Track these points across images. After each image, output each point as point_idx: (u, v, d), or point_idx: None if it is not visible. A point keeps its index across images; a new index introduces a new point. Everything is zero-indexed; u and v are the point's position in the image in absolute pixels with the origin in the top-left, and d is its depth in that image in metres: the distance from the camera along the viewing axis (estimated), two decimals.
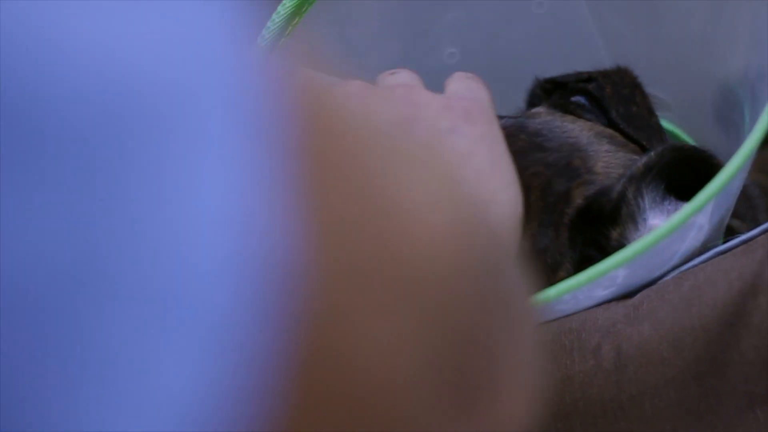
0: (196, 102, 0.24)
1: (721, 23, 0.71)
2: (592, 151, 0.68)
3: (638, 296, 0.63)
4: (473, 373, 0.34)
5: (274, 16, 0.73)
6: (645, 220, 0.65)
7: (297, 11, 0.74)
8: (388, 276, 0.29)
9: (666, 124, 0.82)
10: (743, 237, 0.63)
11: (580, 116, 0.73)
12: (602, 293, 0.63)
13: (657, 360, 0.61)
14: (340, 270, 0.27)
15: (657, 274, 0.65)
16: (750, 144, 0.59)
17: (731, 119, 0.71)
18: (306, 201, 0.26)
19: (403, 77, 0.65)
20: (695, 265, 0.64)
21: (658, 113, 0.82)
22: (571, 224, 0.65)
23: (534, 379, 0.39)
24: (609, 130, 0.70)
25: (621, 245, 0.65)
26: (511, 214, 0.59)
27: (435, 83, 0.81)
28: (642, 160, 0.65)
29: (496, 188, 0.58)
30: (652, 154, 0.65)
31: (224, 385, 0.24)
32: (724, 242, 0.65)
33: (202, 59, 0.25)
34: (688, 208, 0.58)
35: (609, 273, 0.59)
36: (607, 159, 0.67)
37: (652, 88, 0.81)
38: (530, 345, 0.40)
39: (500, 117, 0.72)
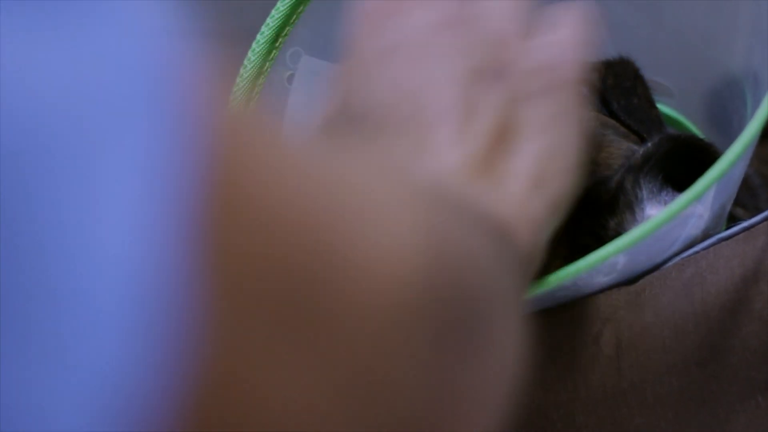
0: (103, 143, 0.23)
1: (724, 10, 0.71)
2: (594, 142, 0.67)
3: (640, 283, 0.63)
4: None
5: (273, 12, 0.73)
6: (642, 210, 0.65)
7: (295, 9, 0.73)
8: (305, 338, 0.28)
9: (669, 111, 0.82)
10: (745, 224, 0.63)
11: None
12: (603, 280, 0.63)
13: (658, 346, 0.61)
14: (243, 331, 0.26)
15: (658, 260, 0.65)
16: (750, 132, 0.58)
17: (734, 106, 0.71)
18: (209, 259, 0.25)
19: (506, 9, 0.58)
20: (697, 252, 0.64)
21: (660, 100, 0.81)
22: (568, 211, 0.65)
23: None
24: (612, 121, 0.70)
25: (618, 234, 0.64)
26: (566, 194, 0.56)
27: None
28: (640, 151, 0.65)
29: (562, 168, 0.56)
30: (650, 144, 0.65)
31: (119, 424, 0.24)
32: (726, 230, 0.65)
33: (118, 100, 0.24)
34: (688, 195, 0.58)
35: (609, 259, 0.58)
36: (610, 149, 0.67)
37: (654, 75, 0.80)
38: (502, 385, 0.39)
39: None
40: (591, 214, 0.65)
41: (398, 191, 0.35)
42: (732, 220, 0.72)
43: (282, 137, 0.29)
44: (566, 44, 0.58)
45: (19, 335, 0.22)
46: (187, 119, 0.25)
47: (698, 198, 0.58)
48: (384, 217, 0.32)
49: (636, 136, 0.70)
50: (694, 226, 0.64)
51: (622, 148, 0.67)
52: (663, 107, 0.82)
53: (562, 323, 0.64)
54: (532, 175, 0.54)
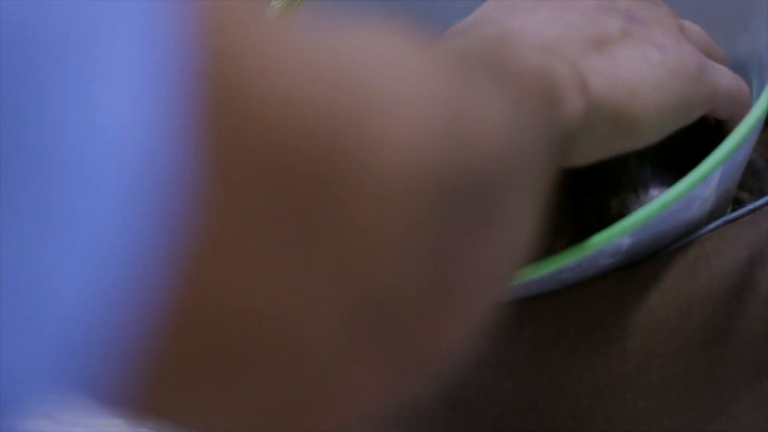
0: (106, 28, 0.23)
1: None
2: None
3: (645, 265, 0.63)
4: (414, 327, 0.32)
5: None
6: (647, 190, 0.65)
7: None
8: (310, 232, 0.27)
9: None
10: (750, 206, 0.63)
11: None
12: (608, 261, 0.63)
13: (663, 329, 0.61)
14: (238, 221, 0.26)
15: (662, 243, 0.65)
16: (754, 114, 0.58)
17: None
18: (206, 136, 0.25)
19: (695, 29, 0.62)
20: (702, 235, 0.63)
21: None
22: (572, 190, 0.65)
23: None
24: None
25: (621, 214, 0.64)
26: (633, 118, 0.56)
27: None
28: None
29: (640, 96, 0.55)
30: None
31: (111, 293, 0.24)
32: (732, 212, 0.64)
33: None
34: (693, 175, 0.58)
35: (614, 240, 0.58)
36: None
37: None
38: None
39: None
40: (594, 193, 0.65)
41: (420, 63, 0.33)
42: (737, 204, 0.72)
43: (285, 20, 0.28)
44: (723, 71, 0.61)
45: (16, 197, 0.22)
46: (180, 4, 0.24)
47: (704, 179, 0.58)
48: (399, 99, 0.30)
49: None
50: (698, 209, 0.64)
51: None
52: None
53: (566, 305, 0.64)
54: (613, 75, 0.53)
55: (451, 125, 0.32)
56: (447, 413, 0.65)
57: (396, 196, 0.29)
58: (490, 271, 0.36)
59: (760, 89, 0.60)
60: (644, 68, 0.55)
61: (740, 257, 0.61)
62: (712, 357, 0.60)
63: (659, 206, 0.57)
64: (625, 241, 0.61)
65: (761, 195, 0.68)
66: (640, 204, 0.64)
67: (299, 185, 0.27)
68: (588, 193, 0.65)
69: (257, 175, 0.26)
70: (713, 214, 0.65)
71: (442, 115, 0.32)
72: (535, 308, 0.64)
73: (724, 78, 0.60)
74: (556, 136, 0.48)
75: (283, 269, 0.27)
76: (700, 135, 0.64)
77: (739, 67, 0.70)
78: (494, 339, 0.65)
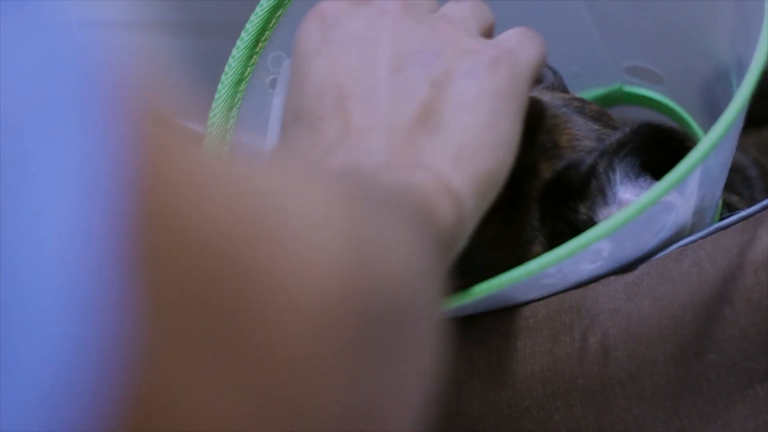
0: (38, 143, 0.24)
1: None
2: (553, 125, 0.67)
3: (638, 272, 0.63)
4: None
5: (252, 17, 0.72)
6: (615, 194, 0.65)
7: (280, 3, 0.73)
8: (230, 353, 0.28)
9: (661, 97, 0.82)
10: (743, 213, 0.63)
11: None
12: (590, 267, 0.63)
13: (657, 337, 0.61)
14: (169, 342, 0.26)
15: (646, 248, 0.65)
16: (730, 114, 0.58)
17: (722, 89, 0.71)
18: (137, 266, 0.25)
19: (463, 9, 0.62)
20: (695, 241, 0.63)
21: (652, 87, 0.81)
22: (541, 198, 0.65)
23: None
24: (578, 100, 0.70)
25: (590, 219, 0.64)
26: (492, 171, 0.57)
27: None
28: (616, 136, 0.65)
29: (486, 145, 0.56)
30: (628, 129, 0.65)
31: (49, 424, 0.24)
32: (723, 218, 0.64)
33: (48, 98, 0.24)
34: (669, 178, 0.57)
35: (591, 246, 0.58)
36: (571, 132, 0.66)
37: (643, 62, 0.80)
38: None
39: None
40: (562, 198, 0.65)
41: (320, 196, 0.35)
42: (728, 208, 0.72)
43: (206, 149, 0.29)
44: (509, 37, 0.60)
45: None
46: (116, 124, 0.25)
47: (680, 182, 0.57)
48: (306, 228, 0.32)
49: (608, 118, 0.70)
50: (680, 214, 0.64)
51: (585, 130, 0.67)
52: (655, 94, 0.82)
53: (559, 313, 0.64)
54: (454, 150, 0.54)
55: (360, 253, 0.34)
56: (441, 423, 0.65)
57: (307, 320, 0.30)
58: (406, 397, 0.37)
59: (739, 86, 0.59)
60: (474, 113, 0.56)
61: (733, 264, 0.61)
62: (705, 364, 0.60)
63: (635, 211, 0.57)
64: (604, 246, 0.61)
65: (752, 201, 0.69)
66: (609, 207, 0.64)
67: (222, 310, 0.28)
68: (556, 199, 0.65)
69: (183, 302, 0.27)
70: (698, 219, 0.66)
71: (350, 243, 0.34)
72: (527, 315, 0.64)
73: (520, 43, 0.61)
74: (442, 248, 0.50)
75: (214, 390, 0.28)
76: (674, 143, 0.64)
77: (719, 66, 0.71)
78: (486, 348, 0.64)
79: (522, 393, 0.64)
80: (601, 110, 0.70)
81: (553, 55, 0.76)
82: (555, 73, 0.74)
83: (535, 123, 0.67)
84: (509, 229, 0.66)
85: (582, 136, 0.67)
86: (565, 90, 0.74)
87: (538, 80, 0.73)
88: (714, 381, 0.60)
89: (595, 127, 0.67)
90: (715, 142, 0.57)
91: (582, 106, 0.69)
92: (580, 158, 0.65)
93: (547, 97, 0.69)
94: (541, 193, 0.66)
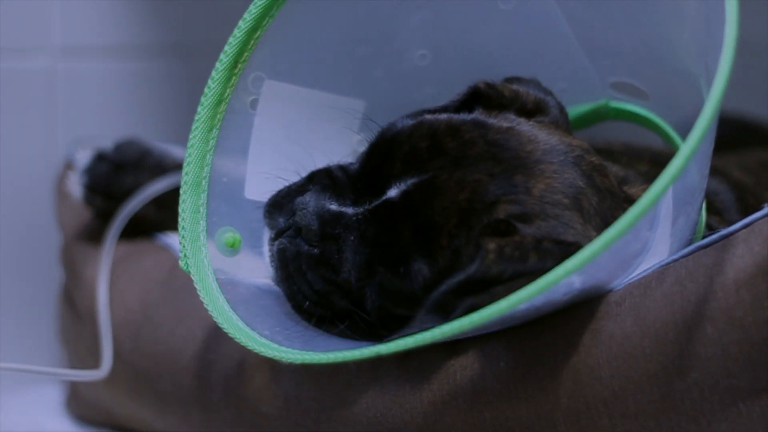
0: None
1: (675, 11, 0.71)
2: (538, 170, 0.67)
3: (621, 292, 0.63)
4: None
5: (245, 14, 0.73)
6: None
7: (266, 12, 0.73)
8: None
9: (646, 113, 0.82)
10: (723, 232, 0.63)
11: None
12: (563, 299, 0.63)
13: (639, 355, 0.61)
14: None
15: (624, 275, 0.64)
16: (696, 134, 0.57)
17: (697, 100, 0.71)
18: None
19: None
20: (676, 260, 0.63)
21: (637, 102, 0.82)
22: (480, 232, 0.65)
23: None
24: (580, 149, 0.69)
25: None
26: None
27: (408, 86, 0.81)
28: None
29: None
30: None
31: None
32: (705, 237, 0.64)
33: None
34: (637, 208, 0.56)
35: (560, 282, 0.57)
36: (549, 181, 0.66)
37: (627, 78, 0.81)
38: None
39: (458, 111, 0.72)
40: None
41: None
42: (708, 228, 0.72)
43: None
44: None
45: None
46: None
47: (645, 213, 0.57)
48: None
49: (601, 174, 0.69)
50: (659, 240, 0.64)
51: (564, 185, 0.66)
52: (640, 109, 0.82)
53: (542, 333, 0.63)
54: None
55: None
56: None
57: None
58: None
59: (709, 92, 0.59)
60: None
61: (714, 283, 0.61)
62: (689, 383, 0.60)
63: (601, 245, 0.57)
64: (575, 280, 0.60)
65: (731, 222, 0.69)
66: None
67: None
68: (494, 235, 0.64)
69: None
70: (680, 236, 0.66)
71: None
72: (510, 337, 0.64)
73: None
74: None
75: None
76: None
77: (689, 75, 0.71)
78: (470, 369, 0.64)
79: (506, 413, 0.64)
80: (600, 165, 0.69)
81: (540, 72, 0.77)
82: (562, 110, 0.74)
83: (518, 164, 0.67)
84: (453, 254, 0.66)
85: (557, 190, 0.66)
86: (568, 129, 0.73)
87: (542, 112, 0.73)
88: (697, 399, 0.60)
89: (580, 184, 0.67)
90: (681, 167, 0.57)
91: (580, 157, 0.69)
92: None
93: (554, 140, 0.69)
94: (482, 228, 0.65)
